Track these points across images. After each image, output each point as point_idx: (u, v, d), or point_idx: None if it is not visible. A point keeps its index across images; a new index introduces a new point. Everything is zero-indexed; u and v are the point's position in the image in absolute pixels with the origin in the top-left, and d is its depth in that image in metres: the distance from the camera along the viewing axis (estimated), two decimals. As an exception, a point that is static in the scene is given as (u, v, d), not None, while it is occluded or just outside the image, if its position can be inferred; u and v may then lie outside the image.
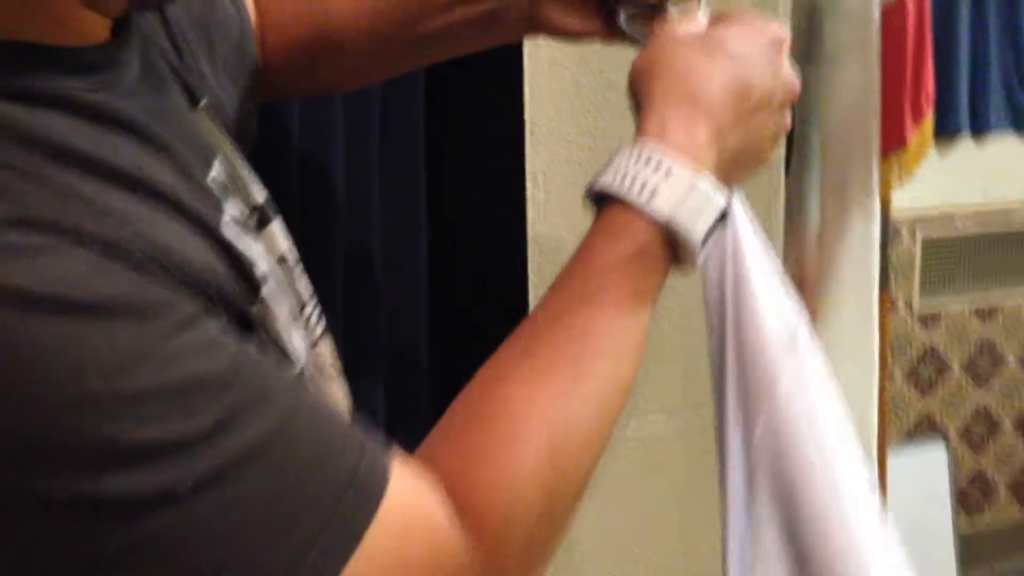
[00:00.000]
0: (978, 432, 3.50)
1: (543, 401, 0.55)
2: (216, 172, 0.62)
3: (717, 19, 0.69)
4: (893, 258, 3.25)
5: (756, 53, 0.67)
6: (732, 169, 0.65)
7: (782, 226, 1.29)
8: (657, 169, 0.59)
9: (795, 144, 1.42)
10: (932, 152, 3.23)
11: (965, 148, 3.29)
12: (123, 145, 0.52)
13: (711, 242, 0.62)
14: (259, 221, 0.69)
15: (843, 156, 1.36)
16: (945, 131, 3.20)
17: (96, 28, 0.55)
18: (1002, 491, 3.55)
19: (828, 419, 0.68)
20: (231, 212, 0.60)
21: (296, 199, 0.98)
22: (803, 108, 1.40)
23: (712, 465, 1.25)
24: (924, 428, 3.43)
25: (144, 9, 0.61)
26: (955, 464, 3.42)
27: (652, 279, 0.60)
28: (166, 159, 0.55)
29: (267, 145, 0.88)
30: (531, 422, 0.54)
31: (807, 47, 1.38)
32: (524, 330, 0.59)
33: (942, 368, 3.41)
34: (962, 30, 3.17)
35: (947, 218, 3.31)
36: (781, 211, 1.28)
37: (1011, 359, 3.48)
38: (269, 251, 0.67)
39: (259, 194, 0.70)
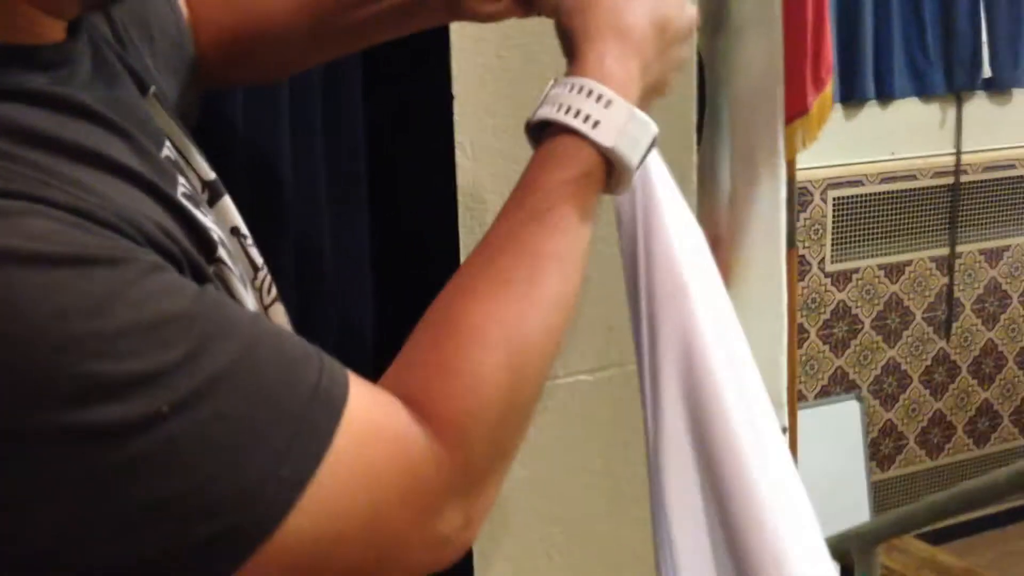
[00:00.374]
0: (888, 386, 3.66)
1: (499, 312, 0.60)
2: (168, 152, 0.69)
3: None
4: (805, 219, 3.39)
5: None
6: (649, 98, 0.71)
7: (695, 191, 1.38)
8: (598, 100, 0.65)
9: (707, 112, 1.51)
10: (840, 117, 3.39)
11: (871, 113, 3.43)
12: (85, 130, 0.58)
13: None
14: (211, 196, 0.75)
15: (751, 123, 1.46)
16: (852, 97, 3.35)
17: (52, 30, 0.60)
18: (911, 441, 3.73)
19: (731, 325, 0.76)
20: (183, 186, 0.66)
21: (244, 180, 1.04)
22: (713, 78, 1.50)
23: (626, 410, 1.34)
24: (838, 383, 3.59)
25: (94, 10, 0.67)
26: (867, 417, 3.59)
27: (593, 200, 0.66)
28: (124, 141, 0.61)
29: (214, 129, 0.93)
30: (488, 331, 0.60)
31: (715, 21, 1.48)
32: (479, 251, 0.65)
33: (854, 325, 3.56)
34: (866, 1, 3.29)
35: (856, 179, 3.45)
36: (694, 176, 1.37)
37: (918, 315, 3.64)
38: (221, 223, 0.73)
39: (209, 173, 0.76)
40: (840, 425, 3.57)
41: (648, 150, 0.68)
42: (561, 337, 0.64)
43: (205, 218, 0.66)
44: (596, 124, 0.65)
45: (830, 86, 1.49)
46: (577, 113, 0.65)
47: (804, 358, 3.50)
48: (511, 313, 0.61)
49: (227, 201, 0.76)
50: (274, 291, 0.79)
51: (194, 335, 0.52)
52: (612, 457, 1.34)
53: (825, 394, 3.57)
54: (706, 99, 1.50)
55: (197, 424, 0.51)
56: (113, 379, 0.49)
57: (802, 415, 3.41)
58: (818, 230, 3.44)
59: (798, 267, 3.41)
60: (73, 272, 0.49)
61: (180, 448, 0.51)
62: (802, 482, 0.77)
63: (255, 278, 0.76)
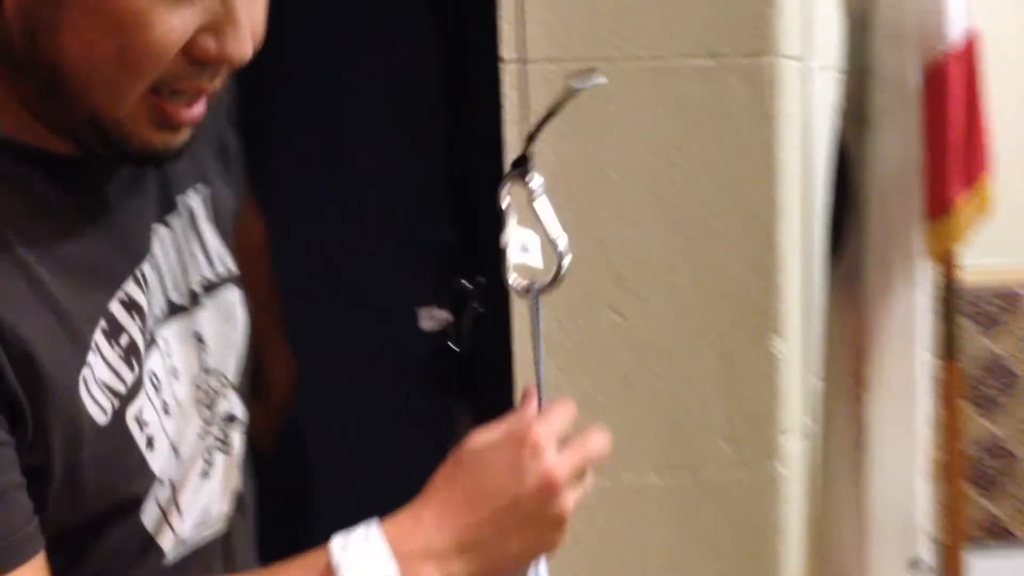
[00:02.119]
0: None
1: None
2: (142, 272, 0.78)
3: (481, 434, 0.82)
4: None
5: (503, 466, 0.79)
6: (493, 555, 0.79)
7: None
8: (366, 538, 0.76)
9: (853, 207, 1.47)
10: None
11: None
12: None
13: None
14: (183, 306, 0.84)
15: (885, 220, 1.40)
16: None
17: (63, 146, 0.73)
18: None
19: None
20: (131, 295, 0.76)
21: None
22: (859, 171, 1.46)
23: (698, 521, 1.33)
24: None
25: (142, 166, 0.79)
26: None
27: None
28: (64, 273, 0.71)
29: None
30: None
31: (860, 110, 1.44)
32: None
33: None
34: None
35: None
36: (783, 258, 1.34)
37: None
38: (182, 333, 0.82)
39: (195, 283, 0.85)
40: None
41: None
42: None
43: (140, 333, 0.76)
44: (344, 549, 0.76)
45: (986, 181, 1.38)
46: (346, 541, 0.77)
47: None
48: None
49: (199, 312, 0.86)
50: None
51: None
52: (678, 559, 1.34)
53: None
54: (853, 193, 1.46)
55: None
56: None
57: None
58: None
59: None
60: None
61: None
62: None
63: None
